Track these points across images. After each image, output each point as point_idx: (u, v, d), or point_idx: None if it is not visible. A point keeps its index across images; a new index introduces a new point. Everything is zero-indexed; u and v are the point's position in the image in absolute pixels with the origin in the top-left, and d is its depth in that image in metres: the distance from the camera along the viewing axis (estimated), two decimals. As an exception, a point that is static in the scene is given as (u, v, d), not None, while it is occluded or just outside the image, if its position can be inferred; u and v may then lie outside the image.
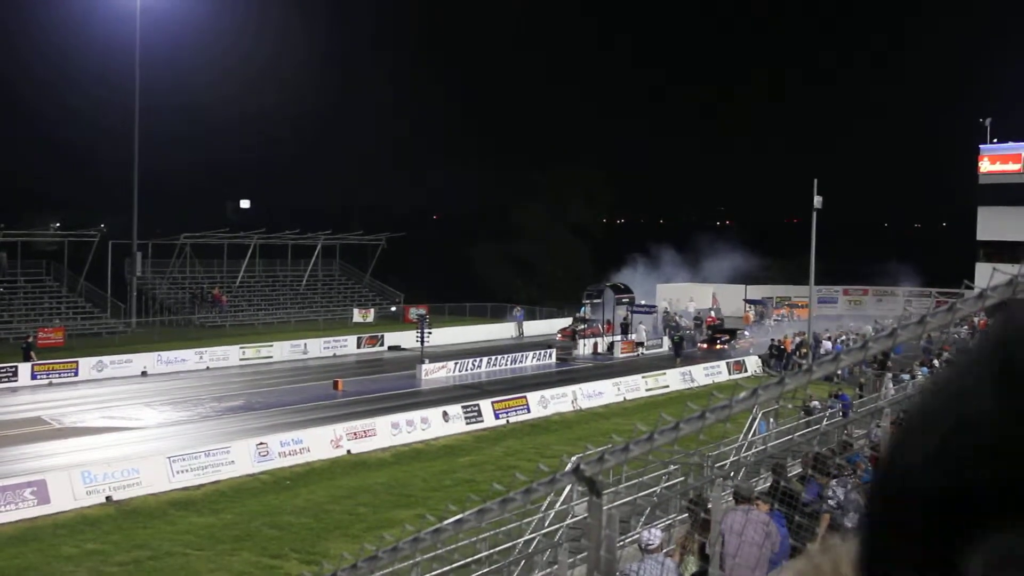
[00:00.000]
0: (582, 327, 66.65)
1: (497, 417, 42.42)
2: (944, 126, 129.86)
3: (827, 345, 55.99)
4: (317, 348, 63.98)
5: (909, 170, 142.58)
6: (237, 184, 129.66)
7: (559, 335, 66.86)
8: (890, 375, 40.02)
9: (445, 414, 40.63)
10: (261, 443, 34.13)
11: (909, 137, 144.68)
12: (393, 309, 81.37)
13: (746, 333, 68.44)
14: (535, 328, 74.63)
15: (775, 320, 76.87)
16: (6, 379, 50.48)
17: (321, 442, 35.68)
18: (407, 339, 64.85)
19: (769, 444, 27.02)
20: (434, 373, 54.04)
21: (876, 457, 12.08)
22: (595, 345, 64.75)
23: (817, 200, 55.31)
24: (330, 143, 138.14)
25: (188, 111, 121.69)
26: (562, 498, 21.61)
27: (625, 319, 68.62)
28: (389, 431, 38.08)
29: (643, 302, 74.28)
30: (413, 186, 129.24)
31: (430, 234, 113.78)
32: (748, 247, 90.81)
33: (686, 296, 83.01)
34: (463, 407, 41.67)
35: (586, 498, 4.36)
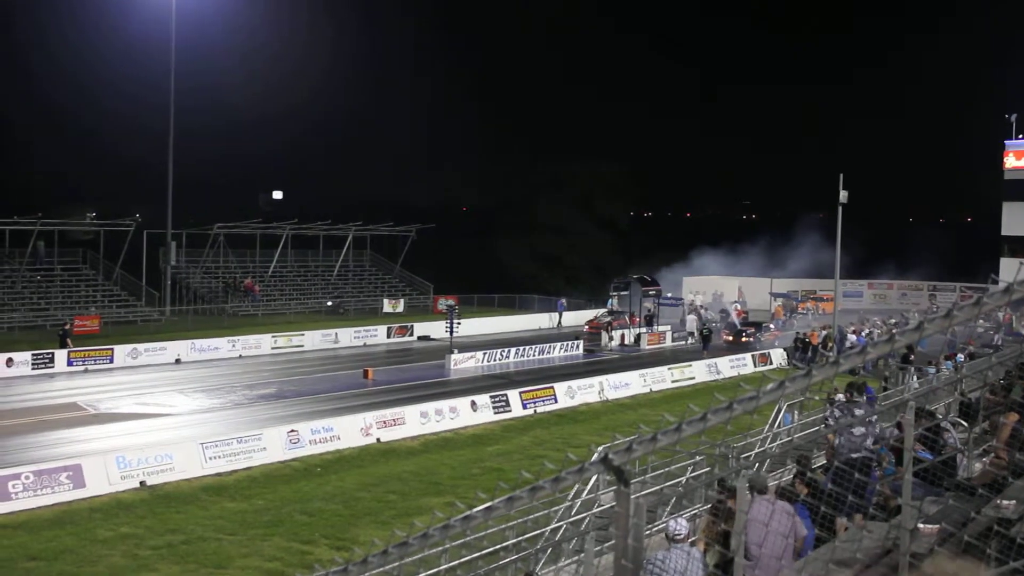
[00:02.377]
0: (608, 319, 66.56)
1: (525, 407, 42.44)
2: (969, 122, 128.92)
3: (852, 338, 55.75)
4: (348, 337, 64.15)
5: (934, 165, 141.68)
6: (270, 176, 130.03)
7: (586, 327, 66.85)
8: (915, 368, 39.85)
9: (473, 403, 40.68)
10: (292, 431, 34.24)
11: (934, 133, 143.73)
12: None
13: (771, 326, 68.31)
14: (566, 320, 74.70)
15: (800, 314, 76.60)
16: (43, 365, 50.80)
17: (351, 430, 35.77)
18: (436, 329, 65.00)
19: (795, 436, 26.98)
20: (463, 363, 54.12)
21: (899, 450, 12.03)
22: (622, 336, 64.68)
23: (843, 195, 55.10)
24: (362, 137, 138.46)
25: (222, 105, 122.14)
26: (589, 487, 21.64)
27: (651, 311, 68.55)
28: (418, 420, 38.15)
29: (669, 294, 74.22)
30: (443, 179, 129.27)
31: (459, 226, 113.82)
32: (774, 241, 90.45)
33: (712, 288, 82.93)
34: (491, 397, 41.70)
35: (613, 487, 4.37)
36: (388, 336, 66.24)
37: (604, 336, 64.27)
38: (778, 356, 57.66)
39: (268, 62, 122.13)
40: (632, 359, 58.63)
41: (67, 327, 55.88)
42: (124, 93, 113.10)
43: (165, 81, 72.74)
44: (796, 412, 30.75)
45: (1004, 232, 74.50)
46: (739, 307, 74.01)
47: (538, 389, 44.17)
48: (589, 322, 67.93)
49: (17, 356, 50.35)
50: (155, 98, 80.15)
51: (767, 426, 29.73)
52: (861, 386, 16.97)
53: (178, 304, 72.84)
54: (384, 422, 36.97)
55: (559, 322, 74.78)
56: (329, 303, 76.62)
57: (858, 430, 14.12)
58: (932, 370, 39.42)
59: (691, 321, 68.26)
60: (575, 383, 45.86)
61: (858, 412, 14.52)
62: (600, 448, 5.84)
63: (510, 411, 41.70)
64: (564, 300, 78.43)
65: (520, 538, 18.96)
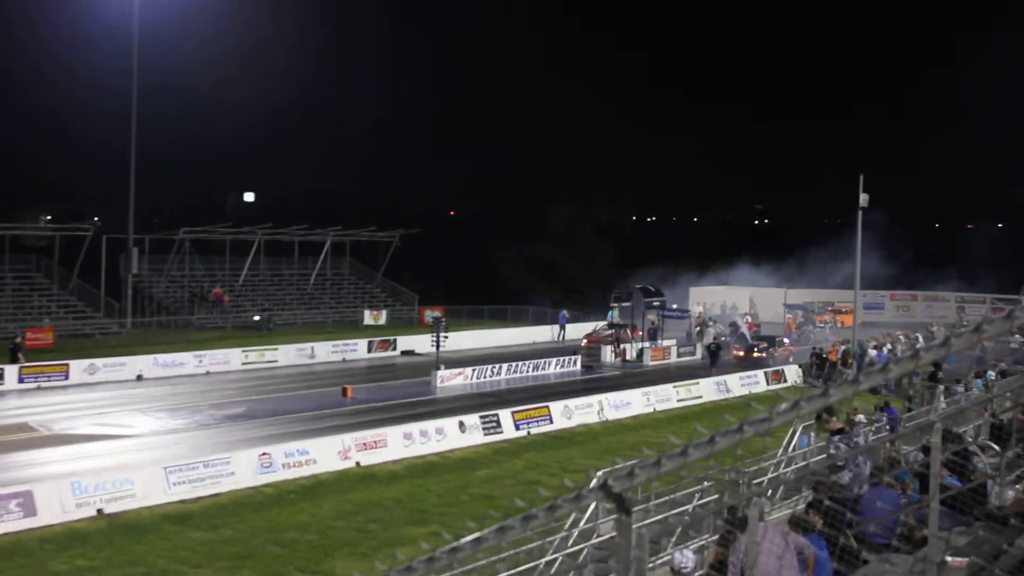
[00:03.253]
0: (609, 332, 66.56)
1: (517, 428, 42.38)
2: (1000, 127, 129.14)
3: (873, 354, 55.82)
4: (325, 352, 64.08)
5: (963, 169, 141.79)
6: (241, 176, 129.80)
7: (584, 341, 66.83)
8: (942, 387, 39.87)
9: (461, 424, 40.62)
10: (264, 454, 34.16)
11: (963, 136, 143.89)
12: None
13: (786, 340, 68.28)
14: (569, 333, 74.64)
15: (818, 327, 76.66)
16: (-8, 382, 50.70)
17: (328, 453, 35.70)
18: (421, 343, 64.97)
19: (810, 460, 26.98)
20: (450, 380, 54.07)
21: (925, 476, 12.03)
22: (623, 351, 64.69)
23: (863, 198, 55.15)
24: (342, 134, 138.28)
25: (189, 98, 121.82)
26: (587, 516, 21.62)
27: (654, 324, 68.57)
28: (401, 442, 38.07)
29: (675, 306, 74.25)
30: (429, 180, 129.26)
31: (447, 232, 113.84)
32: (788, 248, 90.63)
33: (720, 300, 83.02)
34: (481, 417, 41.64)
35: (613, 516, 4.37)
36: (369, 351, 66.17)
37: (607, 351, 64.20)
38: (793, 373, 57.67)
39: (237, 55, 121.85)
40: (634, 376, 58.59)
41: (18, 340, 55.70)
42: (83, 86, 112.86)
43: (126, 73, 72.72)
44: (812, 434, 30.76)
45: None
46: (750, 320, 74.06)
47: (532, 409, 44.11)
48: (587, 336, 67.89)
49: (-36, 372, 50.24)
50: (116, 90, 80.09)
51: (781, 450, 29.73)
52: (883, 406, 16.97)
53: (140, 316, 72.74)
54: (364, 444, 36.90)
55: (561, 336, 74.72)
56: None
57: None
58: (960, 389, 39.47)
59: (710, 334, 68.09)
60: (572, 402, 45.80)
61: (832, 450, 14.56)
62: (599, 473, 5.83)
63: (501, 433, 41.64)
64: (566, 312, 78.33)
65: (512, 571, 18.93)
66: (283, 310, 79.03)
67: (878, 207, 56.16)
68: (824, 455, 27.16)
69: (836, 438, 15.03)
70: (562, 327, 75.61)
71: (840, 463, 14.55)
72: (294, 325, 75.85)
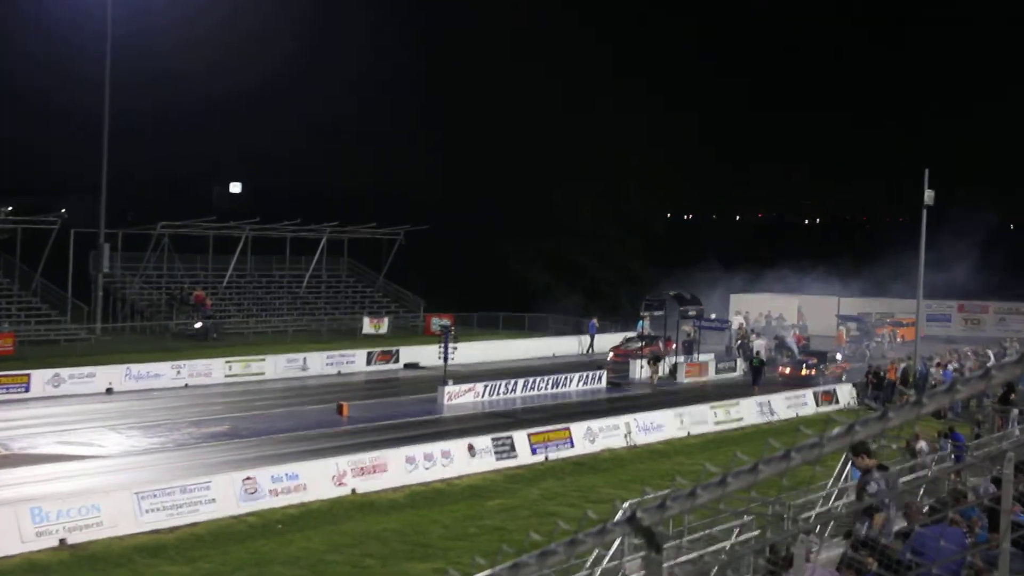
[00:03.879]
0: (640, 344, 66.53)
1: (534, 452, 42.35)
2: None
3: (936, 373, 55.72)
4: (319, 364, 64.13)
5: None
6: (226, 165, 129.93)
7: (611, 354, 66.83)
8: (1015, 411, 39.74)
9: (471, 448, 40.60)
10: (248, 478, 34.17)
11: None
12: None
13: (838, 356, 68.11)
14: (599, 344, 74.56)
15: (875, 341, 76.52)
16: (-56, 394, 50.88)
17: (321, 478, 35.70)
18: (427, 355, 64.88)
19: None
20: (459, 397, 54.08)
21: (995, 511, 11.98)
22: (656, 368, 64.60)
23: (928, 195, 55.07)
24: (339, 119, 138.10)
25: (169, 77, 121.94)
26: (611, 552, 21.58)
27: (690, 335, 68.50)
28: (403, 467, 38.07)
29: (714, 316, 74.15)
30: (438, 170, 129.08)
31: (457, 229, 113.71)
32: (842, 251, 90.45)
33: (765, 308, 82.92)
34: (493, 440, 41.61)
35: (642, 553, 4.35)
36: (368, 363, 66.23)
37: (636, 366, 64.01)
38: (846, 393, 57.56)
39: (223, 30, 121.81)
40: (666, 395, 58.53)
41: (-26, 347, 55.93)
42: (50, 62, 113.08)
43: (97, 49, 72.84)
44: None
45: None
46: (798, 332, 74.01)
47: (551, 431, 44.08)
48: (614, 348, 67.88)
49: (-88, 382, 50.45)
50: (86, 68, 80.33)
51: (831, 480, 29.65)
52: (948, 432, 16.97)
53: (111, 320, 72.91)
54: (361, 469, 36.89)
55: (590, 347, 74.49)
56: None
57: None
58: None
59: (760, 347, 67.88)
60: (596, 424, 45.76)
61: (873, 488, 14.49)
62: (626, 504, 5.83)
63: (516, 457, 41.61)
64: (596, 320, 78.01)
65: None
66: (272, 316, 79.16)
67: (951, 204, 56.01)
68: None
69: (876, 474, 14.97)
70: (592, 337, 75.31)
71: (874, 504, 14.51)
72: (285, 333, 75.90)
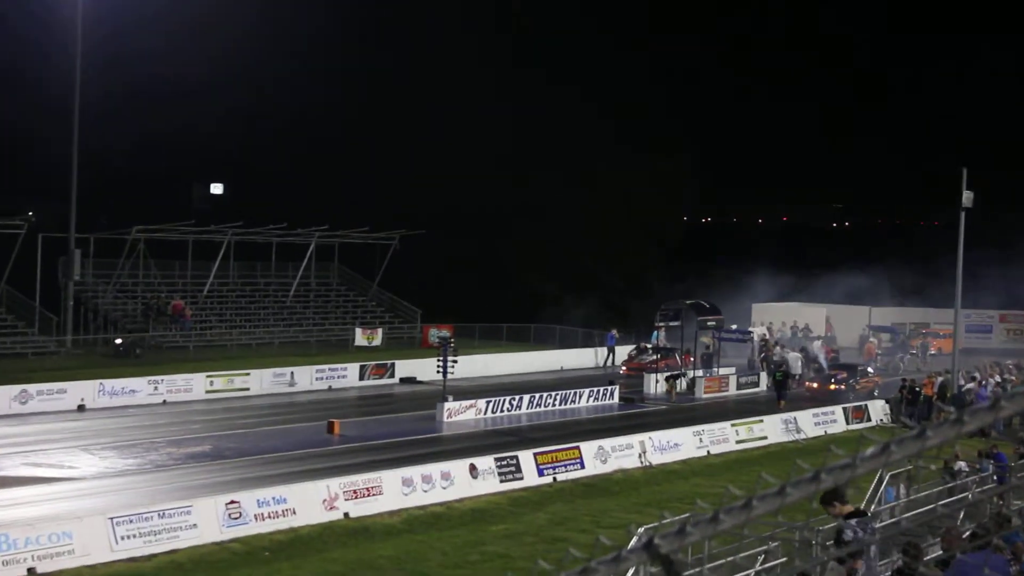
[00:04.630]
0: (654, 357, 66.47)
1: (541, 474, 42.35)
2: None
3: (971, 388, 55.76)
4: (307, 378, 64.13)
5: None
6: (207, 164, 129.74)
7: (623, 368, 66.75)
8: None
9: (473, 468, 40.60)
10: (232, 502, 34.16)
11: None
12: None
13: (870, 370, 68.08)
14: (619, 356, 74.57)
15: (910, 354, 76.45)
16: (-97, 412, 50.92)
17: (310, 502, 35.70)
18: (425, 369, 64.93)
19: (901, 517, 26.90)
20: (459, 414, 54.08)
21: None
22: (673, 383, 64.59)
23: (966, 196, 55.04)
24: (328, 111, 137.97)
25: (144, 69, 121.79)
26: (625, 582, 21.58)
27: (709, 348, 68.48)
28: (399, 489, 38.06)
29: (734, 326, 74.13)
30: (436, 171, 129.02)
31: (457, 233, 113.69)
32: (873, 256, 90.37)
33: (790, 319, 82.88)
34: (496, 460, 41.60)
35: (659, 583, 4.35)
36: (361, 377, 66.23)
37: (651, 380, 64.03)
38: (879, 410, 57.54)
39: (203, 15, 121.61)
40: (684, 412, 58.53)
41: (-65, 361, 55.90)
42: (14, 49, 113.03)
43: (67, 36, 72.87)
44: (902, 485, 30.70)
45: None
46: (825, 344, 73.98)
47: (559, 450, 44.09)
48: (626, 362, 67.85)
49: None
50: (55, 59, 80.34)
51: (864, 503, 29.66)
52: (990, 452, 16.97)
53: (83, 332, 72.91)
54: (355, 492, 36.90)
55: (610, 360, 74.42)
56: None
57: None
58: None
59: (795, 361, 67.79)
60: (608, 442, 45.75)
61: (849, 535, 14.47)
62: (642, 530, 5.83)
63: (522, 479, 41.62)
64: (615, 331, 77.82)
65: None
66: (257, 327, 79.13)
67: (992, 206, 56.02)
68: (923, 509, 27.12)
69: (853, 522, 14.92)
70: (610, 350, 75.20)
71: (853, 548, 14.52)
72: (270, 345, 75.92)
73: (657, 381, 64.28)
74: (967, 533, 19.08)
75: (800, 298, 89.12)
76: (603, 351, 75.93)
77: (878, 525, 27.47)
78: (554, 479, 42.39)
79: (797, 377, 65.71)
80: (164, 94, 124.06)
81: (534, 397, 58.03)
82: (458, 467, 40.38)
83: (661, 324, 69.72)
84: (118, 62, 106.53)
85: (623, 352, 74.22)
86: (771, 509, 4.12)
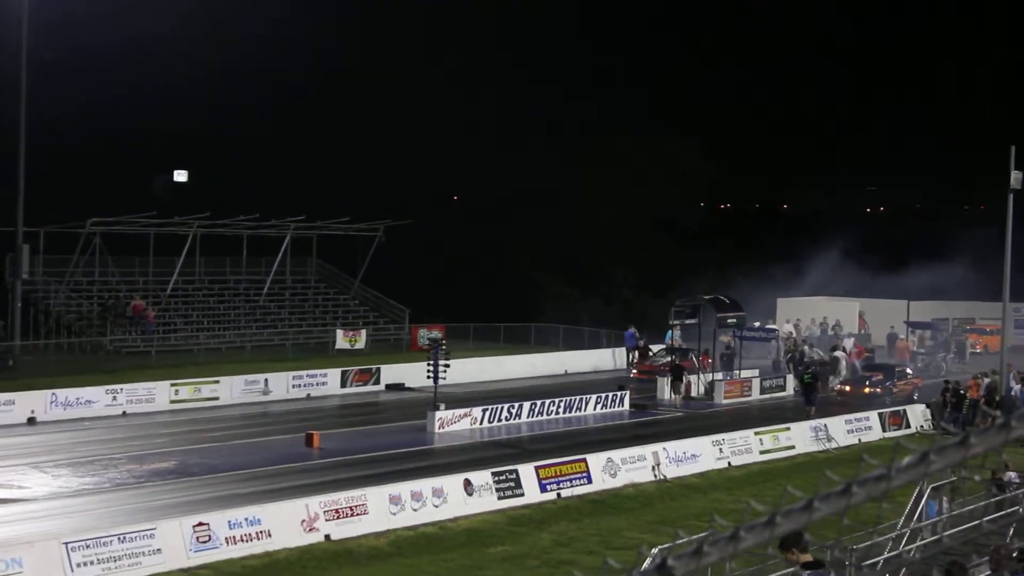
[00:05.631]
0: (670, 359, 66.47)
1: (544, 490, 42.37)
2: None
3: (1017, 389, 55.87)
4: (283, 386, 64.10)
5: None
6: (170, 149, 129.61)
7: (633, 372, 66.81)
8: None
9: (468, 484, 40.63)
10: (200, 524, 34.16)
11: None
12: None
13: (908, 371, 67.96)
14: (604, 359, 74.60)
15: (952, 353, 76.38)
16: None
17: (288, 523, 35.71)
18: (414, 374, 64.88)
19: (944, 534, 26.90)
20: (453, 424, 54.09)
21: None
22: (688, 386, 64.59)
23: (1015, 177, 55.01)
24: (305, 90, 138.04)
25: (99, 45, 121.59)
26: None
27: (729, 347, 68.47)
28: (386, 508, 38.09)
29: (757, 324, 74.13)
30: (424, 154, 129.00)
31: (449, 224, 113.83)
32: (915, 245, 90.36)
33: (819, 315, 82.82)
34: (494, 475, 41.63)
35: (674, 609, 4.34)
36: (343, 384, 66.21)
37: (664, 384, 63.99)
38: (919, 415, 57.55)
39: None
40: (702, 419, 58.63)
41: None
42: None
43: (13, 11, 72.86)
44: (945, 499, 30.69)
45: None
46: (858, 343, 73.98)
47: (563, 463, 44.12)
48: (638, 364, 67.87)
49: None
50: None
51: (903, 519, 29.67)
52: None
53: (33, 337, 72.87)
54: (336, 512, 36.92)
55: (632, 360, 73.66)
56: None
57: None
58: None
59: (843, 360, 67.82)
60: (618, 454, 45.79)
61: None
62: (655, 550, 5.83)
63: (522, 495, 41.65)
64: (635, 330, 77.25)
65: None
66: (227, 329, 79.10)
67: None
68: (968, 525, 27.11)
69: (806, 574, 14.86)
70: (631, 351, 74.72)
71: None
72: (242, 350, 75.90)
73: (678, 390, 64.18)
74: (1016, 551, 19.08)
75: (831, 291, 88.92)
76: (621, 352, 75.30)
77: (919, 543, 27.50)
78: (558, 495, 42.42)
79: (840, 381, 65.80)
80: (121, 74, 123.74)
81: (535, 404, 57.99)
82: (451, 483, 40.39)
83: (676, 322, 69.51)
84: (64, 30, 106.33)
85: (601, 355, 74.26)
86: (798, 526, 4.12)
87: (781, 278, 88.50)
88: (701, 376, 65.50)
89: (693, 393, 64.47)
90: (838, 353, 69.12)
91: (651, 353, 71.28)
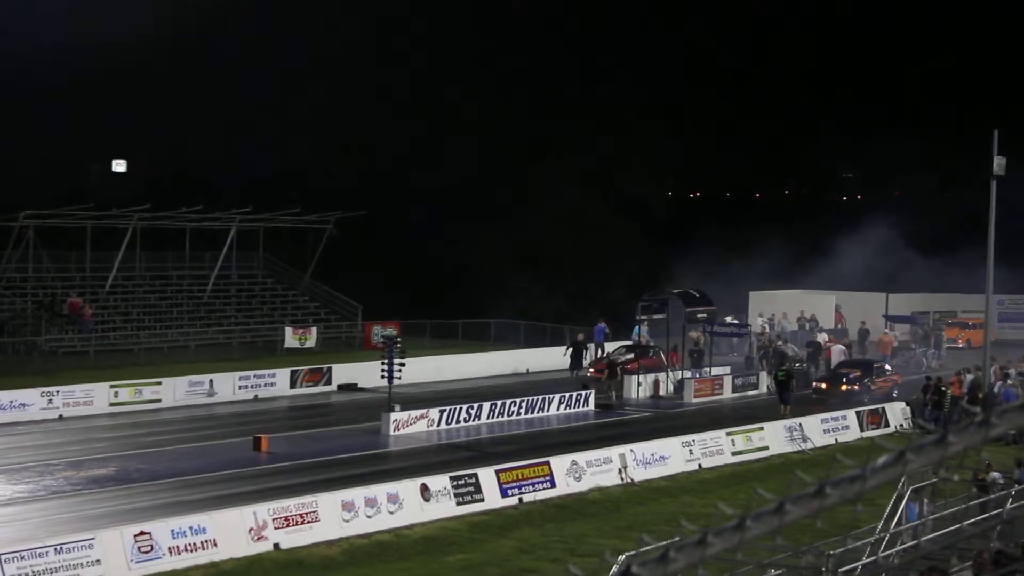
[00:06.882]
0: (628, 356, 66.56)
1: (505, 494, 42.40)
2: None
3: (997, 386, 56.17)
4: (229, 387, 63.97)
5: None
6: (107, 137, 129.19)
7: (590, 371, 66.90)
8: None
9: (425, 489, 40.61)
10: (142, 533, 34.08)
11: None
12: None
13: (887, 367, 68.17)
14: (561, 358, 74.66)
15: (933, 350, 76.64)
16: None
17: (234, 532, 35.65)
18: (367, 374, 64.86)
19: (923, 538, 27.00)
20: (409, 426, 54.06)
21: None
22: (655, 385, 64.68)
23: (998, 163, 55.22)
24: (250, 73, 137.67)
25: (29, 27, 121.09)
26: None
27: (699, 343, 68.58)
28: (339, 515, 38.06)
29: (729, 318, 74.28)
30: (377, 141, 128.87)
31: (403, 215, 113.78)
32: (891, 235, 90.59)
33: (793, 308, 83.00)
34: (452, 479, 41.63)
35: (640, 618, 4.35)
36: (293, 385, 66.12)
37: (631, 383, 64.10)
38: (897, 413, 57.74)
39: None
40: (671, 419, 58.73)
41: None
42: None
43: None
44: (925, 501, 30.79)
45: None
46: (832, 336, 74.22)
47: (525, 467, 44.15)
48: (595, 362, 67.92)
49: None
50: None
51: (881, 522, 29.75)
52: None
53: (-37, 337, 72.68)
54: (286, 519, 36.87)
55: (600, 356, 73.09)
56: None
57: None
58: None
59: (839, 352, 68.13)
60: (583, 456, 45.82)
61: None
62: (622, 557, 5.84)
63: (482, 501, 41.66)
64: (605, 325, 76.92)
65: None
66: (169, 327, 78.90)
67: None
68: (949, 529, 27.22)
69: None
70: (599, 347, 74.43)
71: None
72: (186, 349, 75.75)
73: (639, 384, 64.31)
74: (995, 555, 19.19)
75: (806, 284, 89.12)
76: (591, 348, 74.89)
77: (898, 548, 27.60)
78: (520, 500, 42.46)
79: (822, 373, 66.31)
80: (54, 57, 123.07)
81: (496, 405, 57.98)
82: (407, 488, 40.38)
83: (643, 317, 69.47)
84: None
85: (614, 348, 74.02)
86: (769, 530, 4.14)
87: (757, 269, 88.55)
88: (670, 374, 65.56)
89: (661, 392, 64.58)
90: (821, 337, 69.45)
91: (602, 354, 71.16)
